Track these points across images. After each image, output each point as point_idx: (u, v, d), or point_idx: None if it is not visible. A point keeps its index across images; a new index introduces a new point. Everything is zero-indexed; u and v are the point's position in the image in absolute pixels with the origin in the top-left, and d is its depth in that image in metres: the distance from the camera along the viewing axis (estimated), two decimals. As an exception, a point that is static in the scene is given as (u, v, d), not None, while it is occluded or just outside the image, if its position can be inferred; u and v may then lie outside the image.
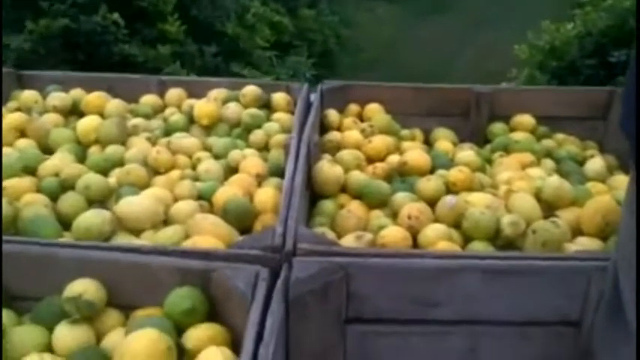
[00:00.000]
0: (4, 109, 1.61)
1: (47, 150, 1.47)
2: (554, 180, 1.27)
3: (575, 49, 2.92)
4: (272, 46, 3.86)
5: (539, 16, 6.48)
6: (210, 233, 1.11)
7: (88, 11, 3.08)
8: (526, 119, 1.68)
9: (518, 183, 1.30)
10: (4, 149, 1.40)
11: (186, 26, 3.34)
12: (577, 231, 1.18)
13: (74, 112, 1.63)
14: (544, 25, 3.24)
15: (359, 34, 6.18)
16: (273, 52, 3.82)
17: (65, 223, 1.17)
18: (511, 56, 3.41)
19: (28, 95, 1.65)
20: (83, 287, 0.94)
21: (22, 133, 1.51)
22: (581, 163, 1.51)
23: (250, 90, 1.68)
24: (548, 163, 1.51)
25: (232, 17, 3.57)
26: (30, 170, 1.33)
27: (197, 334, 0.91)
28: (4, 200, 1.14)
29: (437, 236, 1.13)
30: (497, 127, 1.68)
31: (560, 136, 1.67)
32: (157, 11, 3.32)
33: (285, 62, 3.88)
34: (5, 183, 1.23)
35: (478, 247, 1.13)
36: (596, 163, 1.46)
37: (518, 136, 1.62)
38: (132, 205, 1.17)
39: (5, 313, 0.96)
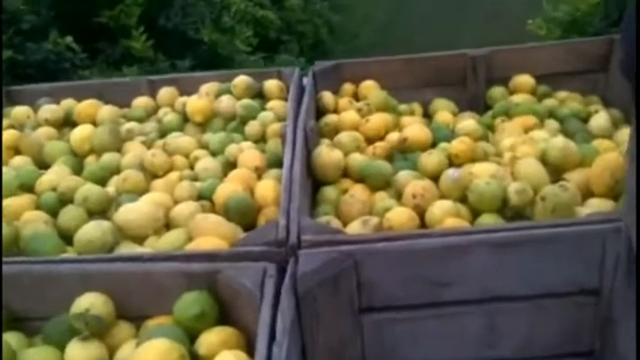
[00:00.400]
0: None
1: (43, 164, 1.45)
2: (559, 141, 1.23)
3: (598, 18, 2.46)
4: (258, 46, 3.49)
5: None
6: (212, 233, 1.10)
7: (36, 38, 2.61)
8: (525, 80, 1.63)
9: (522, 148, 1.27)
10: (-1, 169, 1.38)
11: (154, 40, 2.94)
12: (587, 192, 1.15)
13: (67, 122, 1.61)
14: None
15: (351, 18, 5.65)
16: (260, 54, 3.47)
17: (67, 237, 1.15)
18: (521, 23, 3.06)
19: (20, 111, 1.63)
20: (89, 302, 0.93)
21: (17, 151, 1.49)
22: (586, 119, 1.47)
23: (241, 80, 1.64)
24: (552, 123, 1.47)
25: (207, 22, 3.18)
26: (27, 187, 1.32)
27: (209, 339, 0.90)
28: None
29: (444, 213, 1.11)
30: (497, 91, 1.64)
31: (561, 93, 1.63)
32: (119, 26, 2.92)
33: (275, 62, 3.49)
34: (3, 203, 1.22)
35: (487, 220, 1.10)
36: (600, 119, 1.42)
37: (518, 98, 1.58)
38: (131, 212, 1.15)
39: (14, 335, 0.95)
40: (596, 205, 1.10)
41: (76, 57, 2.77)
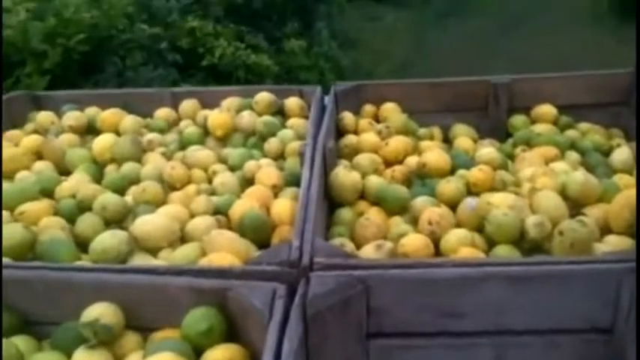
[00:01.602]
0: (20, 132, 1.62)
1: (65, 171, 1.47)
2: (579, 175, 1.22)
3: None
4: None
5: (569, 12, 5.98)
6: (226, 249, 1.10)
7: None
8: (547, 109, 1.63)
9: (542, 179, 1.26)
10: (22, 173, 1.41)
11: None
12: (606, 228, 1.14)
13: (91, 130, 1.63)
14: None
15: (366, 54, 5.01)
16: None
17: (84, 245, 1.17)
18: (557, 64, 2.68)
19: (44, 116, 1.66)
20: (100, 311, 0.94)
21: (39, 156, 1.52)
22: (607, 153, 1.46)
23: (263, 97, 1.66)
24: (573, 155, 1.46)
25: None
26: (47, 193, 1.34)
27: (215, 355, 0.90)
28: (20, 225, 1.15)
29: (459, 242, 1.10)
30: (518, 119, 1.63)
31: (584, 125, 1.61)
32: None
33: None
34: (23, 207, 1.24)
35: (503, 251, 1.09)
36: (622, 153, 1.40)
37: (539, 128, 1.57)
38: (147, 224, 1.16)
39: (24, 339, 0.97)
40: (615, 243, 1.08)
41: None
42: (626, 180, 1.29)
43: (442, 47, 5.41)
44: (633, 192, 1.14)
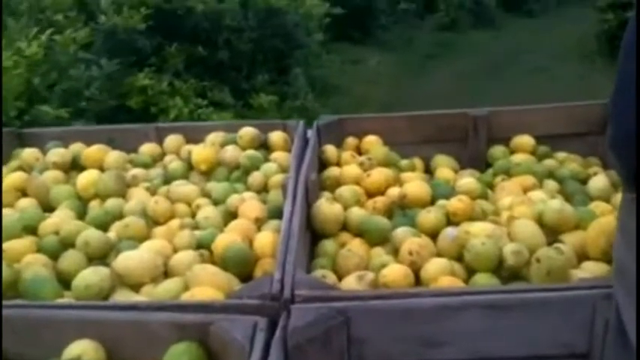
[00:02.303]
0: (5, 169, 1.62)
1: (49, 208, 1.47)
2: (556, 203, 1.24)
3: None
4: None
5: (556, 52, 5.96)
6: (209, 284, 1.11)
7: None
8: (525, 140, 1.66)
9: (520, 208, 1.28)
10: (5, 210, 1.41)
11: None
12: (583, 255, 1.16)
13: (75, 166, 1.64)
14: None
15: (346, 99, 4.71)
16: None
17: (67, 281, 1.17)
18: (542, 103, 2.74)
19: (29, 153, 1.67)
20: (82, 349, 0.94)
21: (24, 193, 1.52)
22: (584, 181, 1.49)
23: (247, 131, 1.68)
24: (551, 184, 1.49)
25: None
26: (31, 230, 1.34)
27: (197, 391, 0.90)
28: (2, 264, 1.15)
29: (438, 271, 1.11)
30: (497, 150, 1.66)
31: (561, 154, 1.64)
32: None
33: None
34: (5, 245, 1.24)
35: (482, 279, 1.10)
36: (599, 181, 1.43)
37: (518, 158, 1.60)
38: (130, 259, 1.17)
39: (6, 380, 0.96)
40: (591, 269, 1.10)
41: None
42: (603, 207, 1.32)
43: (425, 90, 5.34)
44: (609, 219, 1.17)
